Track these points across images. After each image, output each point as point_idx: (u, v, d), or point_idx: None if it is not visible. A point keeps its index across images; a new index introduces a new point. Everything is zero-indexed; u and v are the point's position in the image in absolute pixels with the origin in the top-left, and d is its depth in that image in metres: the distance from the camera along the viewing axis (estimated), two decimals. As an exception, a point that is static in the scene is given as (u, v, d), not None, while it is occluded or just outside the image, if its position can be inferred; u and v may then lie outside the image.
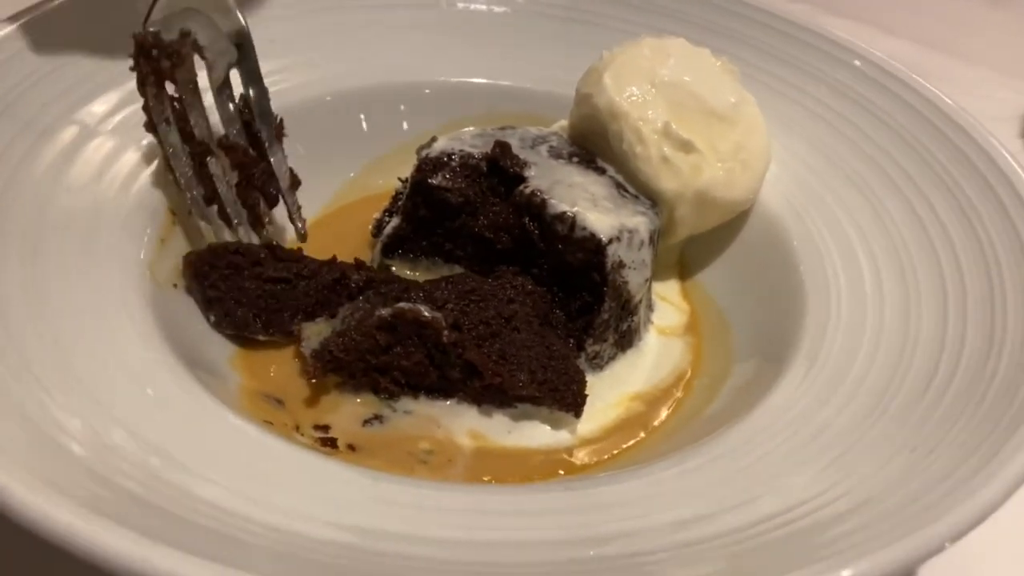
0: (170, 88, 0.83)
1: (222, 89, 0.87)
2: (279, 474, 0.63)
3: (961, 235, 0.82)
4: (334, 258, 0.89)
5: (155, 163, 0.87)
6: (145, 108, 0.82)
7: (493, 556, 0.57)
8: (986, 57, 1.71)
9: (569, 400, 0.81)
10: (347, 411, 0.80)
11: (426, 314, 0.78)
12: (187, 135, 0.84)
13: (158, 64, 0.81)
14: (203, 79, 0.85)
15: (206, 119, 0.85)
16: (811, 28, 1.07)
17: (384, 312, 0.78)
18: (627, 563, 0.57)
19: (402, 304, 0.79)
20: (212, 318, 0.83)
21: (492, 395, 0.80)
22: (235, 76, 0.88)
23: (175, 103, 0.84)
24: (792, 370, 0.76)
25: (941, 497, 0.59)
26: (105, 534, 0.49)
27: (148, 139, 0.88)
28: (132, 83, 0.89)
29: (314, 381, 0.79)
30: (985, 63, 1.68)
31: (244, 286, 0.84)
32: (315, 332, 0.83)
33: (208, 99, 0.86)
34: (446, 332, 0.78)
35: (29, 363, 0.64)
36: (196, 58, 0.84)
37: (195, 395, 0.68)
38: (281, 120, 0.90)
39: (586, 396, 0.81)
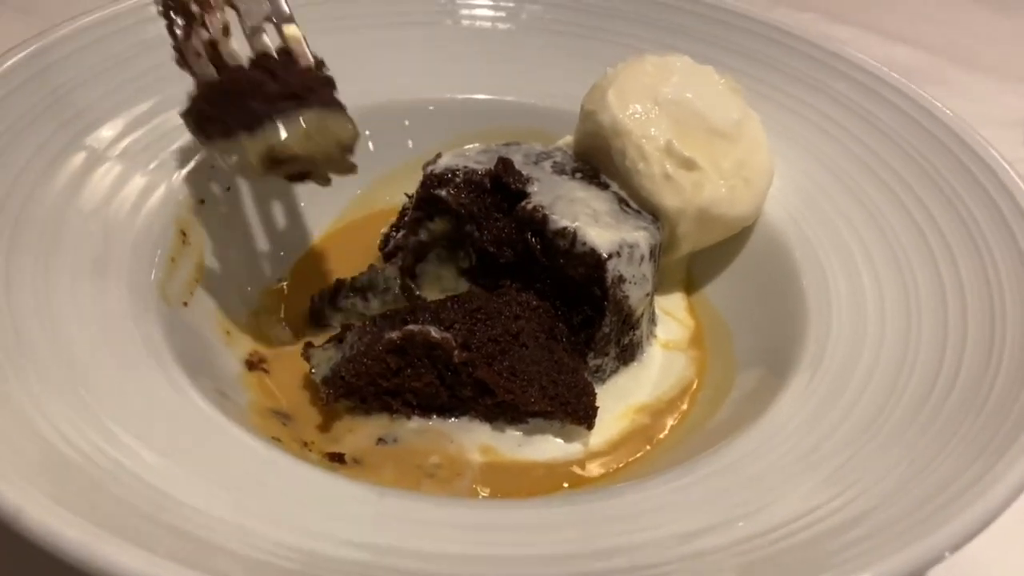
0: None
1: (255, 34, 0.86)
2: (287, 491, 0.64)
3: (961, 246, 0.82)
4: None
5: (163, 186, 0.88)
6: (176, 47, 0.83)
7: (498, 570, 0.59)
8: (990, 63, 1.72)
9: (581, 413, 0.82)
10: (360, 432, 0.81)
11: (435, 335, 0.79)
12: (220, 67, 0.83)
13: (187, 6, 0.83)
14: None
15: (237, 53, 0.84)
16: (814, 41, 1.08)
17: (393, 335, 0.79)
18: None
19: (411, 326, 0.79)
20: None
21: (504, 411, 0.81)
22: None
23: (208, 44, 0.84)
24: (794, 381, 0.77)
25: (941, 507, 0.60)
26: (117, 553, 0.51)
27: (156, 162, 0.90)
28: (139, 108, 0.92)
29: (326, 406, 0.81)
30: (989, 69, 1.70)
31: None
32: (324, 358, 0.83)
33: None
34: (456, 352, 0.79)
35: (43, 383, 0.65)
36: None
37: (206, 414, 0.69)
38: (322, 60, 0.86)
39: (597, 408, 0.83)
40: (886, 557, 0.55)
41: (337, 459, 0.77)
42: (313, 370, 0.82)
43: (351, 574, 0.56)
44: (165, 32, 0.97)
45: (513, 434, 0.82)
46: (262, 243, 0.97)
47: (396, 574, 0.57)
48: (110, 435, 0.63)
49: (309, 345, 0.85)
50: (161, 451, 0.63)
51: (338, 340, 0.84)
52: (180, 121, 0.94)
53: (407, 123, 1.09)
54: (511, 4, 1.14)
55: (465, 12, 1.13)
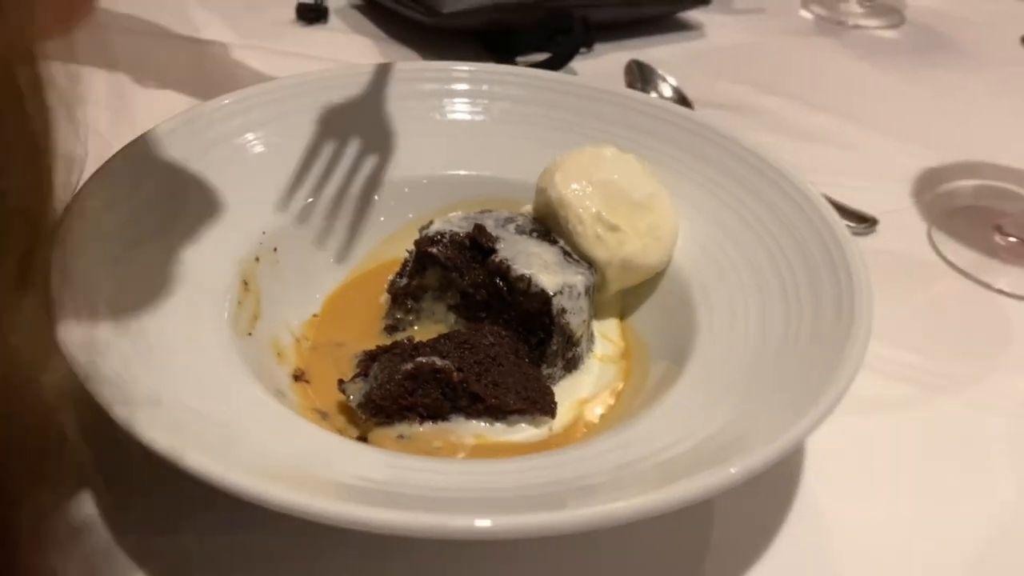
0: None
1: None
2: (325, 449, 0.95)
3: (804, 281, 1.12)
4: None
5: (228, 248, 1.18)
6: None
7: (484, 483, 0.90)
8: (893, 127, 2.00)
9: (546, 407, 1.12)
10: (383, 434, 1.09)
11: (439, 363, 1.07)
12: None
13: None
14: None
15: None
16: (724, 134, 1.36)
17: (408, 366, 1.07)
18: (577, 486, 0.88)
19: (420, 359, 1.08)
20: None
21: (491, 412, 1.09)
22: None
23: None
24: (687, 370, 1.08)
25: (784, 422, 0.89)
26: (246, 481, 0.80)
27: (223, 230, 1.21)
28: (214, 191, 1.24)
29: (363, 424, 1.09)
30: (891, 132, 1.98)
31: None
32: (355, 389, 1.11)
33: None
34: (456, 374, 1.07)
35: (160, 387, 0.94)
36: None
37: (276, 408, 1.00)
38: None
39: (556, 403, 1.13)
40: (755, 450, 0.84)
41: (363, 440, 1.08)
42: (350, 399, 1.10)
43: (381, 492, 0.86)
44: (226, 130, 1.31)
45: (498, 426, 1.10)
46: (300, 287, 1.27)
47: (406, 488, 0.88)
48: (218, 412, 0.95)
49: (341, 381, 1.12)
50: (248, 427, 0.95)
51: (364, 375, 1.12)
52: (238, 200, 1.27)
53: (407, 191, 1.40)
54: (486, 101, 1.46)
55: (449, 108, 1.45)
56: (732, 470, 0.81)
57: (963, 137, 1.96)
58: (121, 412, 0.84)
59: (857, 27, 2.54)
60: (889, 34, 2.54)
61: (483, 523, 0.76)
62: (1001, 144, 1.94)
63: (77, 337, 0.90)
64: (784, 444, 0.84)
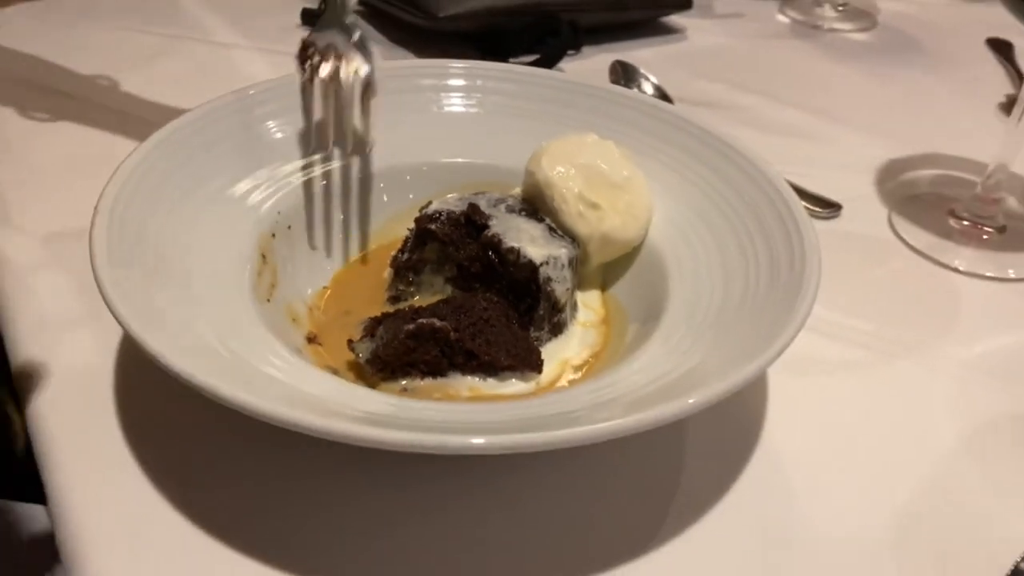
0: None
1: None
2: (342, 393, 1.08)
3: (763, 253, 1.23)
4: None
5: (249, 224, 1.30)
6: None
7: (478, 417, 1.04)
8: (860, 121, 2.13)
9: (533, 363, 1.22)
10: (388, 388, 1.19)
11: (438, 324, 1.16)
12: None
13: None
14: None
15: None
16: (696, 123, 1.46)
17: (410, 327, 1.17)
18: (559, 419, 1.00)
19: (421, 320, 1.17)
20: None
21: (484, 369, 1.18)
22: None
23: None
24: (659, 328, 1.20)
25: (736, 364, 1.00)
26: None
27: (245, 207, 1.33)
28: (232, 173, 1.37)
29: (371, 378, 1.19)
30: (858, 126, 2.10)
31: None
32: (364, 348, 1.20)
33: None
34: (452, 333, 1.17)
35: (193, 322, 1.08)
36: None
37: (293, 361, 1.12)
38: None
39: (543, 360, 1.24)
40: (714, 383, 0.95)
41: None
42: (359, 356, 1.20)
43: (391, 419, 1.00)
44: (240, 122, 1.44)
45: (491, 380, 1.19)
46: (312, 262, 1.39)
47: (412, 423, 1.00)
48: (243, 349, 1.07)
49: (351, 341, 1.23)
50: (274, 375, 1.07)
51: (371, 335, 1.22)
52: (257, 181, 1.41)
53: (408, 178, 1.52)
54: (479, 95, 1.58)
55: (446, 102, 1.57)
56: (690, 400, 0.94)
57: (924, 131, 2.09)
58: (174, 360, 0.96)
59: (831, 30, 2.69)
60: (861, 37, 2.68)
61: (478, 440, 0.89)
62: (960, 137, 2.07)
63: (130, 307, 1.03)
64: (734, 381, 0.97)
